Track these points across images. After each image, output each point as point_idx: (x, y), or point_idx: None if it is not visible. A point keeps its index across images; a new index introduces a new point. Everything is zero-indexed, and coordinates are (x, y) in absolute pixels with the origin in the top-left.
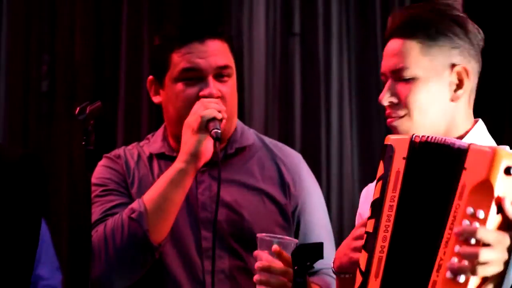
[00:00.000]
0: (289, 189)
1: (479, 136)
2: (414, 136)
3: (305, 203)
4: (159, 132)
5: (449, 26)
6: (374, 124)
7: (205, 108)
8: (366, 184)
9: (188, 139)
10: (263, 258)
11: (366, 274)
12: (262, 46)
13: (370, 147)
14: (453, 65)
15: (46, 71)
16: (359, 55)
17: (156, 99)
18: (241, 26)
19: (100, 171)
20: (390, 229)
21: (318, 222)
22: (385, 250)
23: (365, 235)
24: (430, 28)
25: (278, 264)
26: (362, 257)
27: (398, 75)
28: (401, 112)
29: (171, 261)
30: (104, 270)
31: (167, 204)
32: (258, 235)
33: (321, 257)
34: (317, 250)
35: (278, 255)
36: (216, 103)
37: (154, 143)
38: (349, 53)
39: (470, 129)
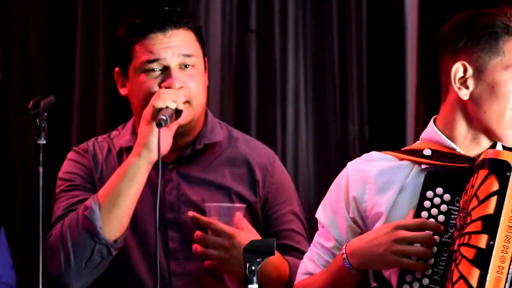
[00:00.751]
0: (259, 187)
1: None
2: None
3: (276, 199)
4: (129, 125)
5: None
6: (329, 121)
7: (159, 98)
8: (321, 182)
9: (141, 131)
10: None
11: None
12: (218, 43)
13: (325, 145)
14: None
15: (0, 65)
16: (316, 52)
17: (122, 91)
18: (197, 21)
19: (67, 166)
20: (510, 250)
21: (290, 216)
22: (504, 272)
23: (474, 250)
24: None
25: (218, 228)
26: (471, 272)
27: None
28: None
29: (136, 262)
30: (62, 269)
31: (121, 200)
32: (206, 204)
33: (273, 253)
34: (269, 246)
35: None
36: (174, 93)
37: (123, 136)
38: (305, 50)
39: None
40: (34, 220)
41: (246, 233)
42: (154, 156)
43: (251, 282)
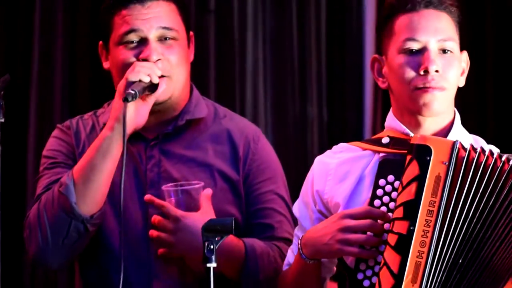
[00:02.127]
0: (242, 164)
1: (460, 128)
2: (457, 142)
3: (257, 177)
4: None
5: (459, 10)
6: (288, 102)
7: (133, 71)
8: (280, 163)
9: (114, 104)
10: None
11: (399, 277)
12: None
13: (284, 126)
14: (462, 50)
15: None
16: (275, 33)
17: (105, 65)
18: None
19: (51, 143)
20: (430, 235)
21: (271, 195)
22: (424, 256)
23: (396, 236)
24: (455, 6)
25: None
26: (392, 258)
27: (441, 46)
28: (445, 84)
29: (115, 239)
30: (40, 246)
31: (95, 174)
32: (163, 187)
33: (231, 232)
34: (227, 225)
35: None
36: (149, 66)
37: (108, 112)
38: (264, 31)
39: (453, 119)
40: None
41: (195, 216)
42: (127, 130)
43: (209, 261)
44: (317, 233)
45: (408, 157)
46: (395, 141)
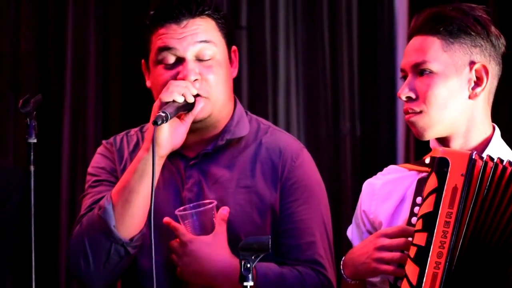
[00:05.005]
0: (281, 183)
1: (500, 144)
2: (473, 153)
3: (290, 195)
4: None
5: (472, 24)
6: (321, 118)
7: (166, 91)
8: None
9: (150, 125)
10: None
11: None
12: None
13: (317, 142)
14: (472, 63)
15: None
16: (306, 49)
17: (148, 83)
18: (220, 9)
19: (95, 159)
20: (446, 246)
21: (305, 214)
22: (441, 266)
23: (415, 248)
24: (452, 24)
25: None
26: (412, 270)
27: (418, 69)
28: (418, 108)
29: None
30: (82, 270)
31: (132, 196)
32: (176, 211)
33: (268, 250)
34: (264, 244)
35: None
36: (183, 85)
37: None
38: (296, 47)
39: (492, 134)
40: (26, 219)
41: (202, 241)
42: (163, 151)
43: (246, 280)
44: (355, 253)
45: (430, 171)
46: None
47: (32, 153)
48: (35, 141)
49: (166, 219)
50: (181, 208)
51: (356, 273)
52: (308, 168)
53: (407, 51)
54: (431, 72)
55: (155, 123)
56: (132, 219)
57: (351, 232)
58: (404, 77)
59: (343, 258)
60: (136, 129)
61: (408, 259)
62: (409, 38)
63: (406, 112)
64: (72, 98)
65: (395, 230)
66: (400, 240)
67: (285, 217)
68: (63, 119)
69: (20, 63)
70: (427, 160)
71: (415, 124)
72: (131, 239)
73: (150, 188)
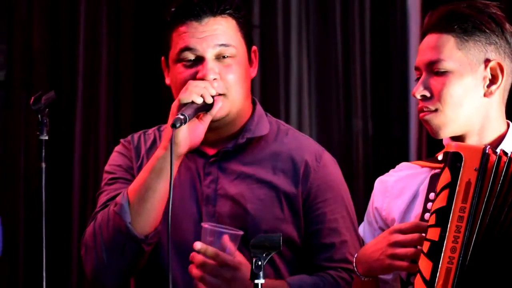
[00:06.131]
0: (302, 183)
1: None
2: (487, 148)
3: (318, 196)
4: None
5: (486, 22)
6: (333, 116)
7: (185, 91)
8: None
9: (168, 124)
10: (204, 251)
11: (430, 283)
12: None
13: (329, 140)
14: (487, 60)
15: (2, 61)
16: (319, 48)
17: (167, 81)
18: (241, 8)
19: (113, 157)
20: (460, 240)
21: (333, 215)
22: (455, 261)
23: (429, 243)
24: (467, 22)
25: (221, 257)
26: (425, 265)
27: (432, 68)
28: (433, 106)
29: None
30: (95, 266)
31: (149, 194)
32: (203, 224)
33: (279, 248)
34: (275, 242)
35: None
36: (202, 86)
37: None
38: (308, 46)
39: (506, 131)
40: (37, 216)
41: (246, 267)
42: (181, 150)
43: (257, 277)
44: (369, 249)
45: (443, 166)
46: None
47: (43, 150)
48: (46, 138)
49: (199, 245)
50: (209, 224)
51: (370, 270)
52: (333, 168)
53: (422, 49)
54: (446, 70)
55: (173, 126)
56: (148, 216)
57: (363, 230)
58: (419, 76)
59: (355, 255)
60: (154, 128)
61: (422, 254)
62: (423, 35)
63: (421, 110)
64: (84, 96)
65: (408, 226)
66: (414, 236)
67: (316, 217)
68: (75, 117)
69: (32, 61)
70: (440, 157)
71: (430, 123)
72: (146, 237)
73: (166, 186)
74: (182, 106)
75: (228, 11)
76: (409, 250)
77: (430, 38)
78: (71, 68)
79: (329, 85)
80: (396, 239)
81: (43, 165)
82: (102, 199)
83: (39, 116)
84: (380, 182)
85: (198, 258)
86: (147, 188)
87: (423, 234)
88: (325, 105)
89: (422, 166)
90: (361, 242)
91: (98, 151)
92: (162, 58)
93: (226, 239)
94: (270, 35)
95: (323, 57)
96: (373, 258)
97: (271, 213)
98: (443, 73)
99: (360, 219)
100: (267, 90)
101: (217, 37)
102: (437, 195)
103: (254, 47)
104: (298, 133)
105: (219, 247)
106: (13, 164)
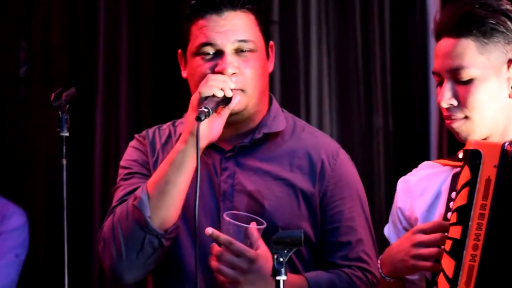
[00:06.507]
0: (319, 181)
1: None
2: (505, 144)
3: (335, 194)
4: None
5: (503, 22)
6: (353, 112)
7: (206, 85)
8: None
9: (188, 117)
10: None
11: (454, 282)
12: None
13: (349, 136)
14: (510, 61)
15: (23, 57)
16: (338, 44)
17: (183, 73)
18: (260, 2)
19: (127, 153)
20: (482, 238)
21: (350, 213)
22: (477, 259)
23: (451, 241)
24: (484, 24)
25: (238, 249)
26: (448, 264)
27: (456, 76)
28: (461, 115)
29: (187, 253)
30: (114, 260)
31: (169, 188)
32: (225, 215)
33: (301, 245)
34: (296, 238)
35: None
36: (222, 80)
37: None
38: (328, 42)
39: None
40: (58, 212)
41: (264, 259)
42: (201, 144)
43: (279, 274)
44: (393, 250)
45: (463, 164)
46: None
47: (64, 147)
48: (67, 134)
49: (211, 230)
50: (229, 216)
51: (395, 271)
52: (348, 166)
53: (440, 54)
54: (470, 78)
55: (198, 119)
56: (167, 210)
57: (388, 230)
58: (440, 82)
59: (380, 257)
60: (168, 123)
61: (444, 253)
62: (437, 36)
63: (448, 118)
64: (104, 92)
65: (431, 225)
66: (437, 235)
67: (333, 215)
68: (95, 113)
69: (52, 57)
70: (461, 155)
71: (459, 130)
72: (166, 231)
73: (186, 180)
74: (203, 99)
75: (248, 5)
76: (433, 250)
77: (448, 43)
78: (91, 64)
79: (349, 81)
80: (419, 239)
81: (64, 161)
82: (119, 194)
83: (60, 112)
84: (403, 182)
85: (216, 248)
86: (167, 181)
87: (446, 234)
88: (346, 101)
89: (444, 165)
90: (375, 241)
91: (118, 147)
92: (179, 50)
93: (247, 230)
94: (290, 31)
95: (343, 53)
96: (397, 259)
97: (288, 210)
98: (468, 81)
99: (381, 216)
100: (287, 87)
101: (237, 32)
102: (457, 193)
103: (271, 42)
104: (314, 129)
105: (240, 239)
106: (34, 161)
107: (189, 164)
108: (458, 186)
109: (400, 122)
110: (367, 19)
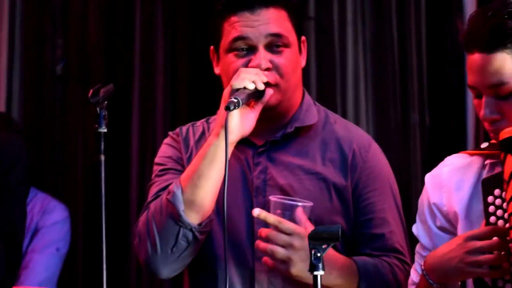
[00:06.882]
0: (351, 173)
1: None
2: None
3: (367, 186)
4: None
5: None
6: (390, 109)
7: (237, 78)
8: None
9: (221, 111)
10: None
11: None
12: None
13: (386, 133)
14: None
15: (60, 55)
16: (375, 40)
17: (216, 70)
18: None
19: (162, 150)
20: None
21: (382, 204)
22: None
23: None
24: None
25: (287, 226)
26: None
27: (495, 91)
28: (505, 127)
29: (220, 247)
30: (149, 255)
31: (202, 181)
32: (271, 197)
33: (338, 239)
34: (334, 233)
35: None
36: (256, 73)
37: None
38: (364, 37)
39: None
40: (96, 208)
41: None
42: (233, 137)
43: (317, 269)
44: (443, 257)
45: (502, 155)
46: (492, 145)
47: (102, 143)
48: (105, 130)
49: (258, 211)
50: (278, 196)
51: (445, 277)
52: (380, 158)
53: (475, 70)
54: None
55: (227, 108)
56: (201, 204)
57: (417, 229)
58: (478, 94)
59: (422, 264)
60: (202, 120)
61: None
62: (468, 50)
63: (492, 132)
64: (141, 89)
65: (484, 231)
66: (493, 241)
67: (366, 207)
68: (132, 110)
69: (89, 55)
70: (483, 145)
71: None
72: (199, 224)
73: (219, 173)
74: (234, 91)
75: (280, 2)
76: (490, 257)
77: (482, 59)
78: (127, 61)
79: (385, 77)
80: (475, 246)
81: (102, 157)
82: (154, 190)
83: (98, 109)
84: (432, 177)
85: (266, 230)
86: (200, 175)
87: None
88: (382, 97)
89: (472, 155)
90: (407, 234)
91: (155, 143)
92: (211, 47)
93: (295, 210)
94: (326, 27)
95: (379, 49)
96: (450, 266)
97: (320, 204)
98: (509, 95)
99: (416, 212)
100: (323, 84)
101: (270, 27)
102: (508, 184)
103: (303, 37)
104: (346, 122)
105: (288, 218)
106: (71, 157)
107: (221, 157)
108: (506, 176)
109: (437, 119)
110: (403, 14)
